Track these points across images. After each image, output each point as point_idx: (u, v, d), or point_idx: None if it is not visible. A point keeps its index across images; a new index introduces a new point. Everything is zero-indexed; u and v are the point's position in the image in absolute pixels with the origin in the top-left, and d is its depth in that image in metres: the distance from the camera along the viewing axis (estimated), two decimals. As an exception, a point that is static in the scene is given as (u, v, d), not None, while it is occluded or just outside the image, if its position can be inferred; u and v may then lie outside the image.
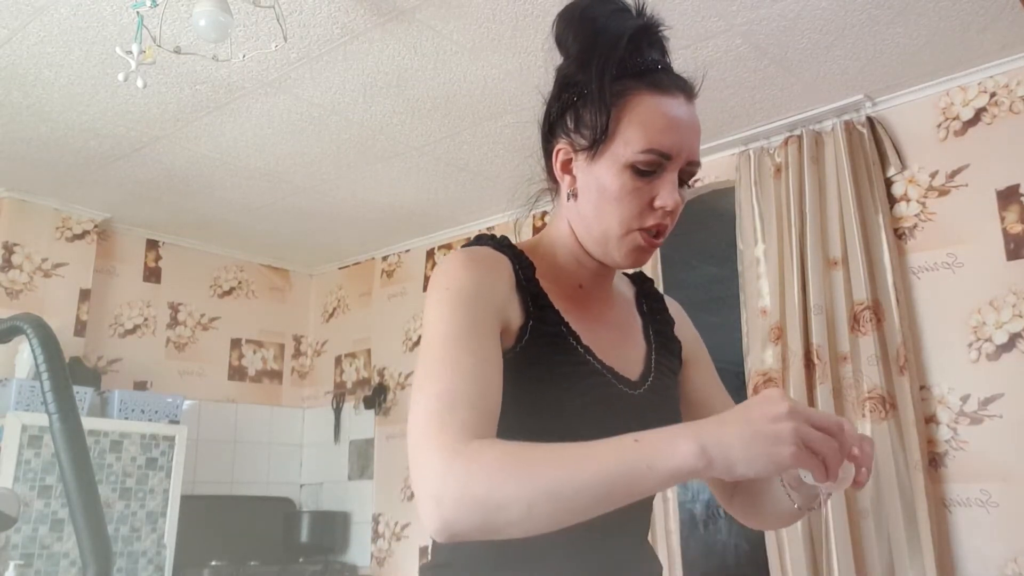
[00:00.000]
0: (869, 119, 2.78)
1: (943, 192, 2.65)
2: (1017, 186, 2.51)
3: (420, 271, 4.31)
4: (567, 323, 0.97)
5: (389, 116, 2.94)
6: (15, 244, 3.63)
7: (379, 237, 4.31)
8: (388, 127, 3.03)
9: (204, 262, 4.41)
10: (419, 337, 4.18)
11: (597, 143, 0.95)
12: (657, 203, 0.93)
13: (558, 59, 1.02)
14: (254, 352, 4.54)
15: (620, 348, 1.03)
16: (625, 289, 1.14)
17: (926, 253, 2.65)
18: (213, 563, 3.63)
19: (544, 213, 3.80)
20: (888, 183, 2.75)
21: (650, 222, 0.95)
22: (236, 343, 4.47)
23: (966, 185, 2.61)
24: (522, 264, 0.97)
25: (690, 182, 0.97)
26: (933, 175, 2.68)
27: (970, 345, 2.51)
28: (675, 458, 0.71)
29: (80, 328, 3.76)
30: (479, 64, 2.59)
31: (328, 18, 2.34)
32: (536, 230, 3.80)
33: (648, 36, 0.97)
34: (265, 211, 3.91)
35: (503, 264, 0.96)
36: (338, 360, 4.61)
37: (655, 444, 0.73)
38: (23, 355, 3.37)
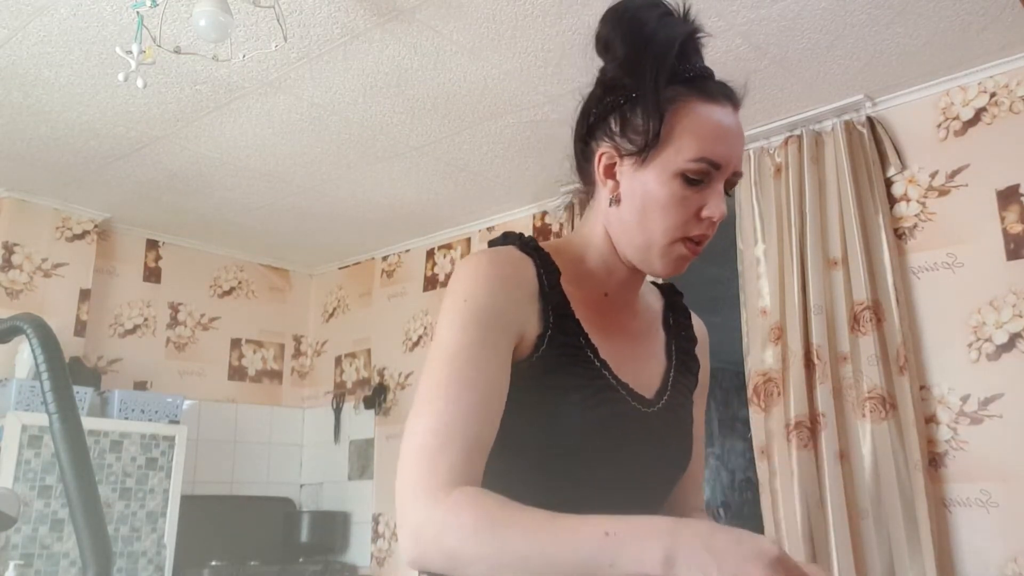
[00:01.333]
0: (869, 119, 2.78)
1: (943, 192, 2.65)
2: (1017, 186, 2.51)
3: (420, 271, 4.31)
4: (586, 335, 0.95)
5: (389, 116, 2.94)
6: (15, 244, 3.63)
7: (379, 237, 4.31)
8: (388, 127, 3.03)
9: (204, 262, 4.41)
10: (419, 337, 4.19)
11: (647, 149, 0.92)
12: (705, 213, 0.92)
13: (596, 59, 1.00)
14: (254, 352, 4.54)
15: (638, 362, 1.01)
16: (653, 300, 1.11)
17: (926, 253, 2.65)
18: (213, 563, 3.63)
19: (544, 213, 3.80)
20: (888, 183, 2.75)
21: (695, 232, 0.93)
22: (236, 343, 4.47)
23: (966, 185, 2.61)
24: (547, 269, 0.95)
25: (727, 190, 0.96)
26: (933, 175, 2.68)
27: (970, 345, 2.51)
28: (639, 564, 0.69)
29: (80, 328, 3.76)
30: (479, 64, 2.59)
31: (328, 18, 2.34)
32: (536, 230, 3.81)
33: (695, 42, 0.96)
34: (265, 211, 3.91)
35: (527, 268, 0.94)
36: (338, 360, 4.61)
37: (624, 543, 0.70)
38: (23, 355, 3.37)
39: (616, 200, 0.96)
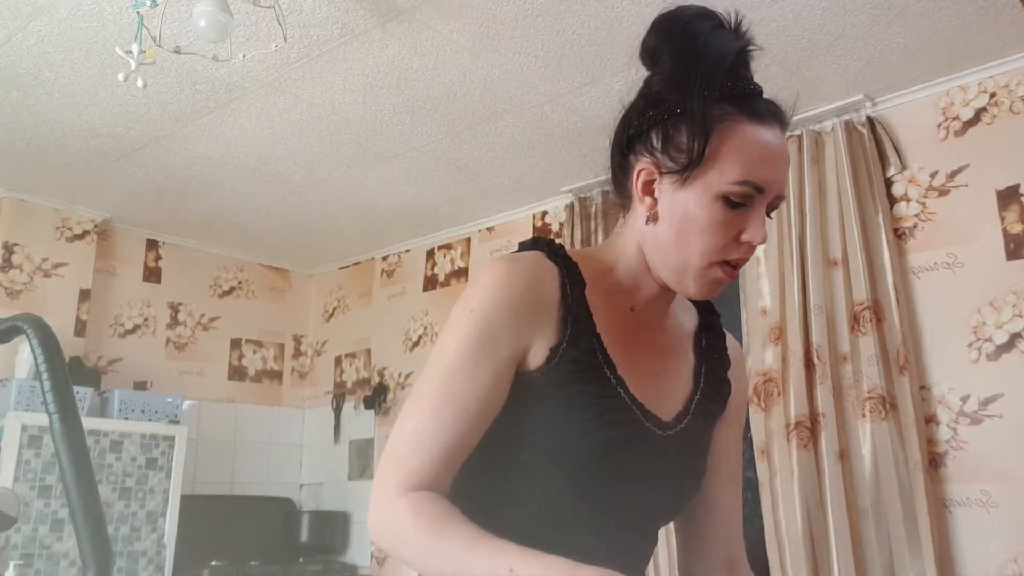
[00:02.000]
0: (869, 119, 2.78)
1: (943, 192, 2.65)
2: (1017, 186, 2.51)
3: (420, 271, 4.31)
4: (604, 350, 0.92)
5: (389, 116, 2.94)
6: (15, 244, 3.63)
7: (379, 237, 4.31)
8: (388, 127, 3.03)
9: (204, 262, 4.41)
10: (419, 337, 4.19)
11: (690, 168, 0.88)
12: (745, 237, 0.89)
13: (641, 69, 0.97)
14: (254, 352, 4.54)
15: (659, 383, 0.97)
16: (686, 319, 1.06)
17: (926, 253, 2.65)
18: (213, 563, 3.63)
19: (544, 213, 3.81)
20: (888, 183, 2.75)
21: (733, 255, 0.90)
22: (236, 343, 4.47)
23: (966, 185, 2.61)
24: (572, 279, 0.92)
25: (772, 215, 0.93)
26: (933, 175, 2.68)
27: (970, 345, 2.51)
28: None
29: (80, 328, 3.76)
30: (479, 64, 2.59)
31: (328, 18, 2.34)
32: (536, 230, 3.81)
33: (744, 57, 0.92)
34: (265, 211, 3.91)
35: (549, 277, 0.91)
36: (338, 360, 4.61)
37: None
38: (23, 355, 3.37)
39: (653, 218, 0.93)
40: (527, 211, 3.85)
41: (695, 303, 1.09)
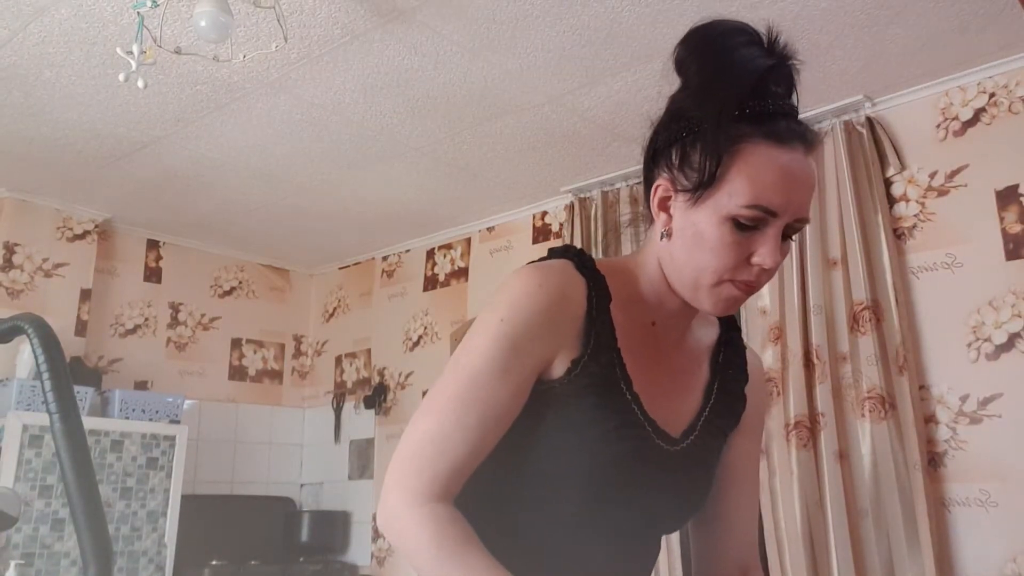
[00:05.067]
0: (868, 119, 2.78)
1: (942, 192, 2.65)
2: (1016, 186, 2.51)
3: (420, 271, 4.31)
4: (623, 365, 0.93)
5: (389, 116, 2.95)
6: (16, 244, 3.63)
7: (379, 237, 4.31)
8: (388, 127, 3.03)
9: (204, 262, 4.42)
10: (419, 337, 4.19)
11: (701, 188, 0.88)
12: (755, 260, 0.88)
13: (674, 80, 0.95)
14: (254, 352, 4.55)
15: (672, 398, 0.98)
16: (706, 335, 1.06)
17: (925, 253, 2.65)
18: (213, 563, 3.63)
19: (544, 213, 3.81)
20: (887, 183, 2.76)
21: (744, 277, 0.89)
22: (236, 343, 4.47)
23: (965, 185, 2.61)
24: (599, 292, 0.93)
25: (790, 235, 0.90)
26: (932, 175, 2.68)
27: (969, 345, 2.51)
28: None
29: (81, 328, 3.77)
30: (479, 64, 2.59)
31: (328, 19, 2.35)
32: (536, 230, 3.81)
33: (777, 75, 0.89)
34: (265, 211, 3.92)
35: (578, 290, 0.92)
36: (338, 360, 4.61)
37: None
38: (24, 355, 3.37)
39: (668, 234, 0.92)
40: (527, 211, 3.86)
41: (719, 317, 1.08)
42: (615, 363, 0.92)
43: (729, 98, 0.87)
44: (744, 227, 0.87)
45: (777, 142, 0.87)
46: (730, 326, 1.09)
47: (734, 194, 0.86)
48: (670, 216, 0.92)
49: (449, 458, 0.86)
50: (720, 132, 0.86)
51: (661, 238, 0.93)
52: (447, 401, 0.87)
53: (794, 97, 0.92)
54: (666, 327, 0.99)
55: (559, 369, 0.91)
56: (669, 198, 0.92)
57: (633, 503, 0.94)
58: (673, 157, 0.91)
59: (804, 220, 0.90)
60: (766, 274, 0.89)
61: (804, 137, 0.89)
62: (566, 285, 0.91)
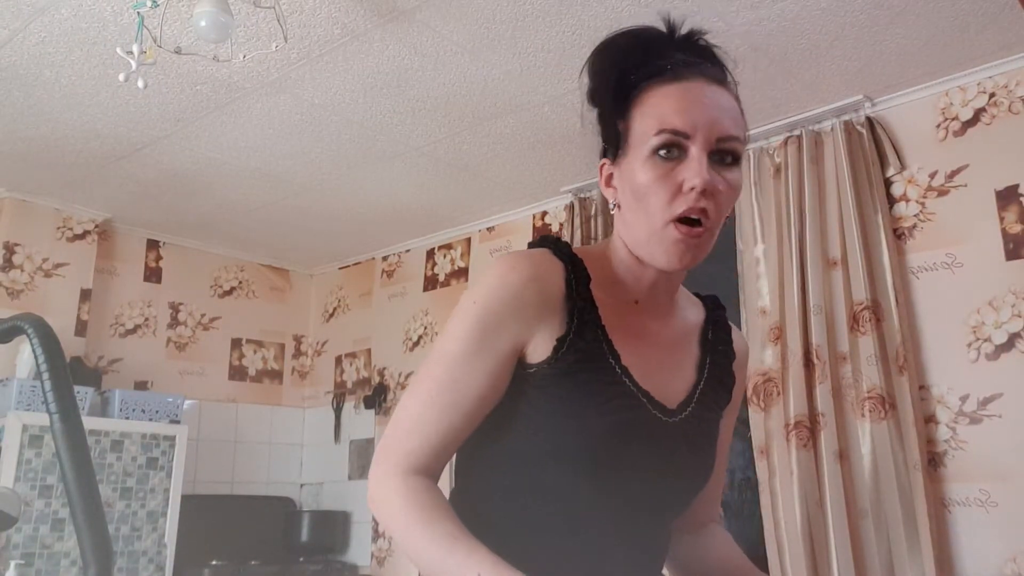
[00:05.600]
0: (868, 119, 2.78)
1: (942, 192, 2.65)
2: (1016, 186, 2.51)
3: (420, 271, 4.31)
4: (610, 340, 0.95)
5: (389, 116, 2.95)
6: (16, 244, 3.63)
7: (379, 237, 4.32)
8: (388, 127, 3.03)
9: (204, 262, 4.42)
10: (419, 337, 4.19)
11: (619, 144, 0.96)
12: (685, 185, 0.90)
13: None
14: (254, 352, 4.55)
15: (664, 373, 1.00)
16: (692, 315, 1.09)
17: (925, 253, 2.65)
18: (213, 563, 3.63)
19: (544, 213, 3.81)
20: (887, 183, 2.76)
21: (682, 207, 0.90)
22: (236, 343, 4.47)
23: (965, 185, 2.61)
24: (578, 274, 0.96)
25: (723, 158, 0.93)
26: (932, 175, 2.68)
27: (969, 345, 2.51)
28: None
29: (81, 328, 3.77)
30: (479, 64, 2.59)
31: (328, 18, 2.35)
32: (536, 230, 3.81)
33: (673, 43, 0.97)
34: (265, 211, 3.92)
35: (555, 272, 0.95)
36: (338, 360, 4.61)
37: None
38: (24, 355, 3.37)
39: (618, 205, 0.98)
40: (527, 211, 3.86)
41: (702, 299, 1.13)
42: (601, 339, 0.95)
43: (617, 64, 0.97)
44: (666, 157, 0.91)
45: (669, 79, 0.94)
46: (715, 305, 1.13)
47: (643, 132, 0.93)
48: (615, 188, 0.99)
49: (423, 435, 0.91)
50: (618, 92, 0.96)
51: (613, 210, 0.99)
52: (423, 382, 0.93)
53: (705, 63, 0.98)
54: (649, 304, 1.02)
55: (545, 351, 0.93)
56: (611, 175, 0.99)
57: (637, 478, 0.95)
58: (601, 141, 1.00)
59: (731, 138, 0.93)
60: (705, 199, 0.91)
61: (706, 72, 0.95)
62: (541, 268, 0.95)
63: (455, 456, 0.99)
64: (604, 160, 1.01)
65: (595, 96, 1.00)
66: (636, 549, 0.97)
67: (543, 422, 0.93)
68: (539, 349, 0.93)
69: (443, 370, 0.92)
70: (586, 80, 1.00)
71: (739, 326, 2.93)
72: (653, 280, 1.00)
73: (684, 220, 0.91)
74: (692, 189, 0.90)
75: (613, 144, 0.98)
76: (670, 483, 0.99)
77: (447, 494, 0.96)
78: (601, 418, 0.92)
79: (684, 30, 0.99)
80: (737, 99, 0.98)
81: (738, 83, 1.01)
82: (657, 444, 0.95)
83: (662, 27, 0.99)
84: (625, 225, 0.98)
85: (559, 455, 0.92)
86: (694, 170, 0.90)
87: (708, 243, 0.94)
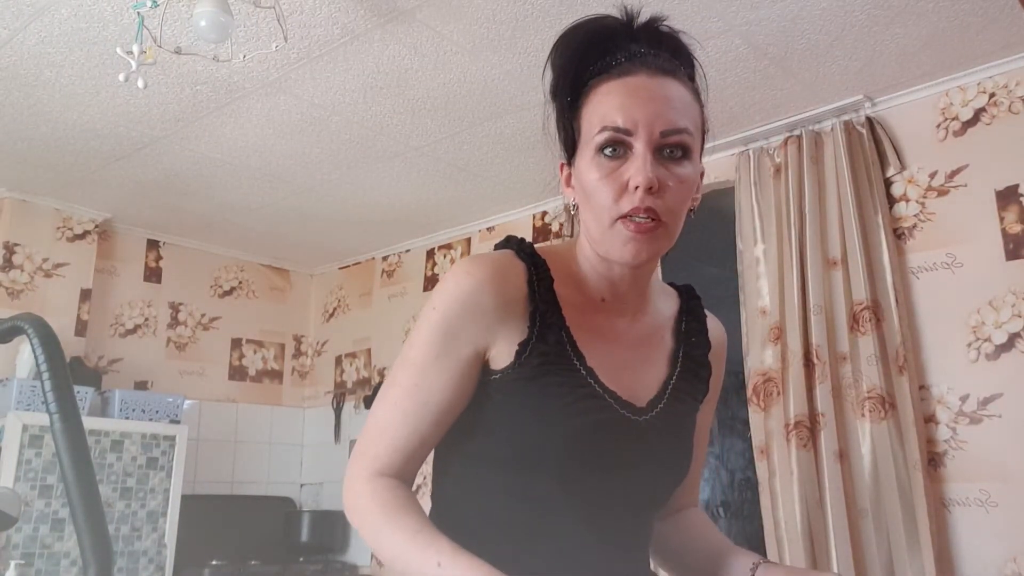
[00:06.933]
0: (868, 119, 2.78)
1: (942, 192, 2.65)
2: (1016, 186, 2.51)
3: (420, 271, 4.31)
4: (574, 342, 0.95)
5: (389, 116, 2.95)
6: (16, 244, 3.63)
7: (379, 237, 4.32)
8: (388, 127, 3.03)
9: (204, 262, 4.42)
10: (419, 337, 4.19)
11: (570, 145, 0.97)
12: (630, 183, 0.90)
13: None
14: (254, 352, 4.55)
15: (632, 370, 0.99)
16: (666, 307, 1.08)
17: (925, 253, 2.65)
18: (213, 563, 3.63)
19: (544, 213, 3.81)
20: (887, 183, 2.76)
21: (628, 206, 0.90)
22: (236, 343, 4.48)
23: (965, 185, 2.61)
24: (540, 275, 0.95)
25: (671, 152, 0.91)
26: (932, 175, 2.68)
27: (969, 345, 2.51)
28: None
29: (81, 328, 3.77)
30: (479, 64, 2.59)
31: (328, 19, 2.35)
32: (536, 230, 3.81)
33: (626, 34, 0.96)
34: (265, 211, 3.92)
35: (515, 274, 0.94)
36: (338, 360, 4.61)
37: None
38: (24, 355, 3.37)
39: (575, 204, 0.99)
40: (527, 211, 3.86)
41: (676, 288, 1.12)
42: (564, 341, 0.94)
43: (566, 65, 0.97)
44: (611, 156, 0.92)
45: (615, 75, 0.94)
46: (690, 295, 1.12)
47: (589, 131, 0.93)
48: (572, 188, 0.99)
49: (389, 439, 0.92)
50: (572, 91, 0.96)
51: (573, 211, 0.99)
52: (389, 388, 0.95)
53: (660, 48, 0.97)
54: (617, 300, 1.01)
55: (508, 355, 0.93)
56: (569, 175, 1.00)
57: (612, 478, 0.94)
58: (559, 145, 1.00)
59: (676, 131, 0.91)
60: (652, 198, 0.90)
61: (650, 63, 0.94)
62: (500, 270, 0.94)
63: (432, 461, 1.01)
64: (562, 161, 1.02)
65: (552, 94, 1.01)
66: (614, 546, 0.97)
67: (510, 428, 0.93)
68: (502, 354, 0.93)
69: (406, 376, 0.93)
70: (548, 74, 1.01)
71: (739, 326, 2.94)
72: (618, 277, 0.99)
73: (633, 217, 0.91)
74: (636, 188, 0.90)
75: (569, 144, 0.98)
76: (645, 480, 0.98)
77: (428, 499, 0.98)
78: (567, 420, 0.91)
79: (643, 18, 0.97)
80: (692, 88, 0.96)
81: (704, 72, 1.00)
82: (627, 443, 0.95)
83: (622, 16, 0.98)
84: (584, 225, 0.97)
85: (528, 460, 0.92)
86: (637, 168, 0.90)
87: (665, 237, 0.93)
